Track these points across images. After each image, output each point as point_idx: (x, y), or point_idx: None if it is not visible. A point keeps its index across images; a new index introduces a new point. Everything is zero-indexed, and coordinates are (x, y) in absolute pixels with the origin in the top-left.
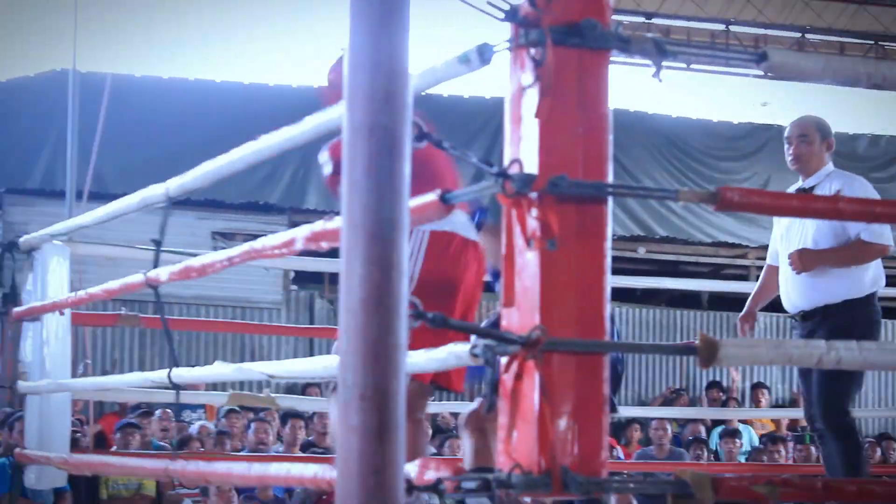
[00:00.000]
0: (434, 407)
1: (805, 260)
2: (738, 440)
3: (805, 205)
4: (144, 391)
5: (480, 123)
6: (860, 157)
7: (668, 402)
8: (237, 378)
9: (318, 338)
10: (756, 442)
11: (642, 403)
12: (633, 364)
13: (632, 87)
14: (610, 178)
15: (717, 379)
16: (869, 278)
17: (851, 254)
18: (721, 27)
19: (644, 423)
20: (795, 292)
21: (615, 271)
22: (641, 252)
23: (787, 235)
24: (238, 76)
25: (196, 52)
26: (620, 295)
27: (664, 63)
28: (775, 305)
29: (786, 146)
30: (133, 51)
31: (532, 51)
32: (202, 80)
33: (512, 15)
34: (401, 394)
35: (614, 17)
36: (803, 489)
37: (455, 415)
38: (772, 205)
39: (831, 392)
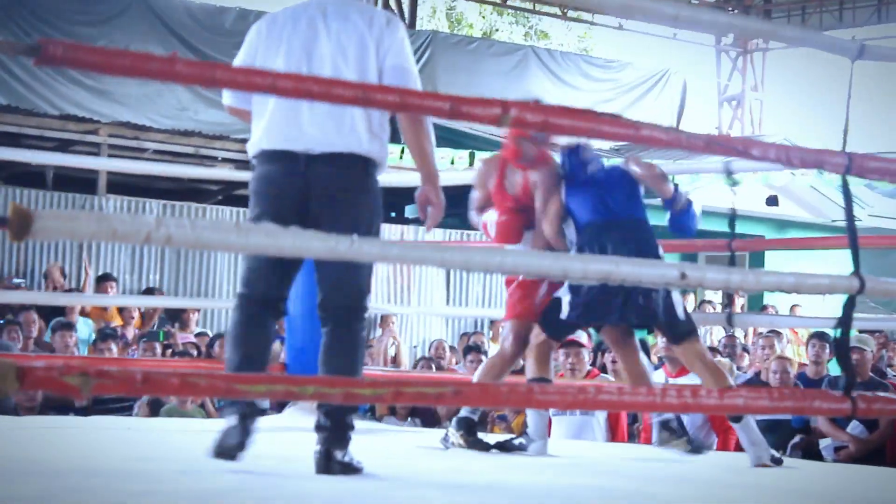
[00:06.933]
0: None
1: None
2: (73, 333)
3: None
4: None
5: None
6: (227, 31)
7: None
8: None
9: None
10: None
11: None
12: None
13: None
14: None
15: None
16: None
17: None
18: None
19: None
20: None
21: None
22: None
23: None
24: None
25: None
26: None
27: None
28: None
29: None
30: None
31: None
32: None
33: None
34: None
35: None
36: (121, 381)
37: None
38: (104, 63)
39: (355, 280)
